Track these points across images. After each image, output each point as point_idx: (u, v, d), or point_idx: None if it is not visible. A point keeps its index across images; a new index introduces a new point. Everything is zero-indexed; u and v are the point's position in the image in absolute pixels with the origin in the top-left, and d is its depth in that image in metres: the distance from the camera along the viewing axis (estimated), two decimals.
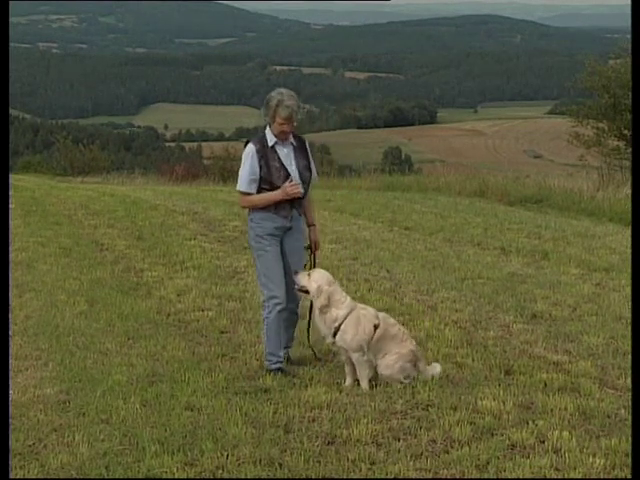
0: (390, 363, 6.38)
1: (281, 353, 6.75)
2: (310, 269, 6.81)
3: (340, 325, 6.42)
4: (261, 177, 6.61)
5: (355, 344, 6.37)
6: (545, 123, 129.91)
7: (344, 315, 6.43)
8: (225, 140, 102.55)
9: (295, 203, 6.72)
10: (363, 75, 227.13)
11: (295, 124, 6.61)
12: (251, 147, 6.64)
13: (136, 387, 6.26)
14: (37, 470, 4.95)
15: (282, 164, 6.63)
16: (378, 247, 12.17)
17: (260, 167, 6.60)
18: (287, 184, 6.58)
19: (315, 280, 6.51)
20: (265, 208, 6.66)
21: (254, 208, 6.70)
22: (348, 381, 6.45)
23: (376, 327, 6.43)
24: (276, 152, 6.64)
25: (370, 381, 6.40)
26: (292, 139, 6.72)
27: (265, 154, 6.61)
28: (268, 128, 6.65)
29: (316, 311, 6.53)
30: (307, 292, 6.56)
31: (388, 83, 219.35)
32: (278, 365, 6.70)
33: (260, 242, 6.71)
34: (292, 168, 6.67)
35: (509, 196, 18.94)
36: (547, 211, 17.31)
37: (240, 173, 6.69)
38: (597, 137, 25.26)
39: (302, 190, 6.67)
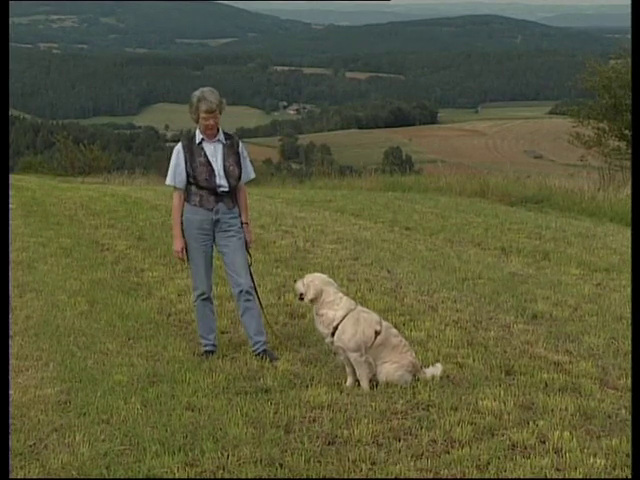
0: (390, 371, 6.38)
1: (211, 336, 7.23)
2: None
3: (338, 325, 6.43)
4: (187, 172, 7.05)
5: (353, 344, 6.37)
6: (546, 123, 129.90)
7: (342, 315, 6.44)
8: None
9: (221, 197, 7.07)
10: (364, 75, 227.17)
11: (219, 117, 7.00)
12: (179, 144, 7.17)
13: (137, 387, 6.27)
14: (38, 470, 4.95)
15: (208, 160, 7.03)
16: (379, 247, 12.18)
17: (186, 162, 7.04)
18: (181, 251, 7.11)
19: (306, 282, 6.58)
20: (191, 201, 7.11)
21: (185, 200, 7.16)
22: (349, 381, 6.45)
23: (377, 333, 6.43)
24: (203, 149, 7.07)
25: (370, 381, 6.40)
26: (223, 138, 7.10)
27: (191, 150, 7.07)
28: (198, 128, 7.06)
29: (314, 312, 6.57)
30: (303, 299, 6.60)
31: (389, 83, 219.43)
32: (208, 348, 7.18)
33: (188, 237, 7.14)
34: (217, 164, 7.05)
35: (510, 196, 18.94)
36: (548, 211, 17.30)
37: (168, 169, 7.15)
38: (598, 137, 25.24)
39: (223, 184, 7.00)
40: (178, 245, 7.16)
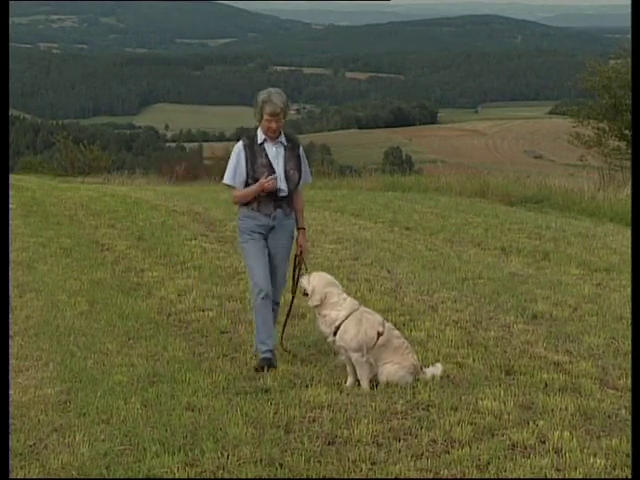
0: (391, 372, 6.39)
1: (269, 341, 6.84)
2: (298, 273, 7.01)
3: (340, 325, 6.43)
4: (247, 172, 6.81)
5: (355, 344, 6.37)
6: (546, 123, 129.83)
7: (345, 315, 6.44)
8: (226, 140, 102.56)
9: (280, 202, 6.86)
10: (364, 75, 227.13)
11: (283, 121, 6.81)
12: (240, 143, 6.90)
13: (137, 387, 6.26)
14: (38, 470, 4.95)
15: (269, 162, 6.81)
16: (379, 247, 12.17)
17: (247, 163, 6.81)
18: (263, 178, 6.73)
19: (312, 282, 6.56)
20: (248, 205, 6.87)
21: (241, 204, 6.90)
22: (349, 381, 6.45)
23: (379, 334, 6.44)
24: (264, 150, 6.84)
25: (370, 381, 6.40)
26: (284, 140, 6.89)
27: (253, 150, 6.82)
28: (260, 127, 6.84)
29: (316, 312, 6.56)
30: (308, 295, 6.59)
31: (389, 83, 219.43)
32: (267, 355, 6.77)
33: (243, 237, 6.94)
34: (279, 167, 6.82)
35: (510, 196, 18.93)
36: (548, 211, 17.30)
37: (227, 167, 6.91)
38: (598, 137, 25.26)
39: (283, 188, 6.83)
40: (262, 182, 6.73)
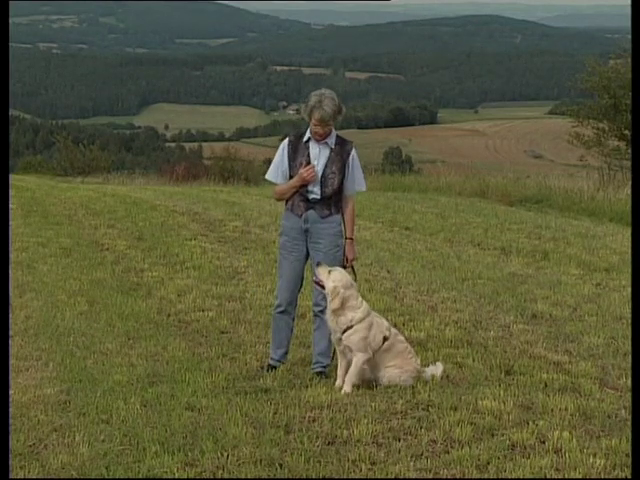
0: (394, 375, 6.39)
1: (279, 352, 6.88)
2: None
3: (353, 325, 6.40)
4: (289, 170, 6.70)
5: (362, 345, 6.37)
6: (545, 123, 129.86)
7: (359, 319, 6.39)
8: (226, 140, 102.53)
9: (312, 204, 6.68)
10: (363, 75, 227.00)
11: (332, 125, 6.57)
12: (286, 139, 6.78)
13: (136, 387, 6.26)
14: (37, 470, 4.95)
15: (309, 161, 6.61)
16: (378, 247, 12.18)
17: (289, 159, 6.68)
18: (302, 169, 6.58)
19: (333, 280, 6.44)
20: (286, 205, 6.80)
21: (284, 200, 6.82)
22: (338, 382, 6.43)
23: (385, 339, 6.44)
24: (308, 148, 6.65)
25: (371, 382, 6.40)
26: (332, 141, 6.65)
27: (296, 147, 6.67)
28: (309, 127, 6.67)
29: (329, 310, 6.49)
30: (323, 287, 6.51)
31: (388, 83, 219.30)
32: (272, 362, 6.84)
33: (281, 242, 6.85)
34: (317, 168, 6.61)
35: (509, 196, 18.96)
36: (547, 211, 17.31)
37: (272, 163, 6.84)
38: (597, 137, 25.28)
39: (316, 190, 6.65)
40: (301, 173, 6.58)
